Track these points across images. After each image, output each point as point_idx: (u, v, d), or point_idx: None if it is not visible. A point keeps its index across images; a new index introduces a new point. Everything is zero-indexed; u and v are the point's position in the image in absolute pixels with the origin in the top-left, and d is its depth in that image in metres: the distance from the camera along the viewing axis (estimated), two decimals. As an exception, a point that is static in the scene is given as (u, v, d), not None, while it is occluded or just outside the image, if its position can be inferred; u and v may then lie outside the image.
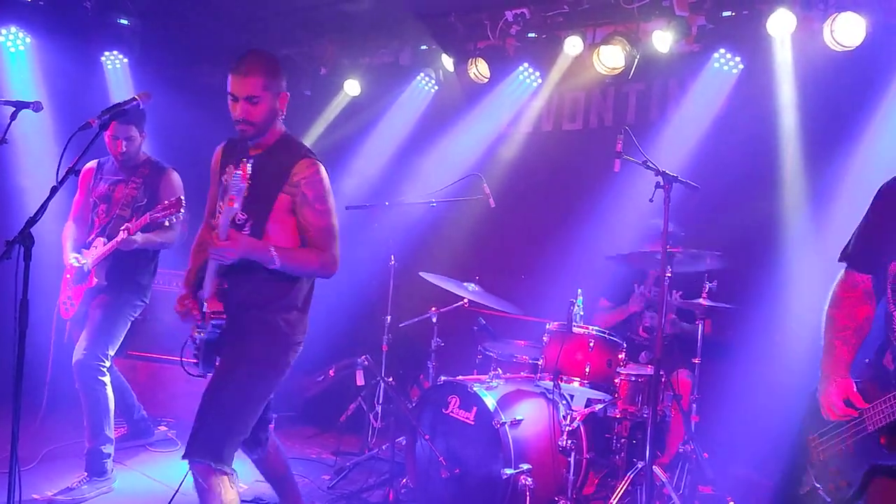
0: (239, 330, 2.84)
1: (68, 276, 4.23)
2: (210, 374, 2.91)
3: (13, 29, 5.67)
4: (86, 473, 4.01)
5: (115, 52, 6.15)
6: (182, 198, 3.84)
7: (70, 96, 5.52)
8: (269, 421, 3.13)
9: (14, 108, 3.33)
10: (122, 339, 4.20)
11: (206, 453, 2.70)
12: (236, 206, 2.63)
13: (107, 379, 4.06)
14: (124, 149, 4.11)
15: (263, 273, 2.82)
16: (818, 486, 2.37)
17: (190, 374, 2.95)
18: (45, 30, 5.74)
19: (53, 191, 2.37)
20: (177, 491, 3.02)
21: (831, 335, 2.39)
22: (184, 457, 2.72)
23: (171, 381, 5.18)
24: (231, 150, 3.05)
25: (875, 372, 2.23)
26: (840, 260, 2.46)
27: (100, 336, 4.05)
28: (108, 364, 4.07)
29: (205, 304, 2.83)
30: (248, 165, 2.64)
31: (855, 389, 2.25)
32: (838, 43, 4.29)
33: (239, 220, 2.77)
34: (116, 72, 6.20)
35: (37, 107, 3.43)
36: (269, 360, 2.89)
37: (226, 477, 2.71)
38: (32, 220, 2.35)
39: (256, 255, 2.77)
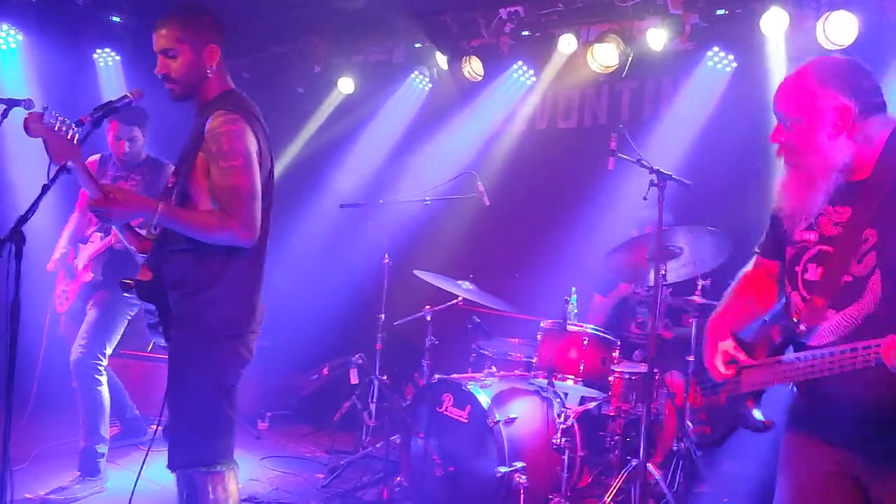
0: (176, 328, 2.63)
1: (61, 270, 4.23)
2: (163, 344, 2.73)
3: (5, 26, 5.65)
4: (79, 473, 3.99)
5: (107, 50, 6.14)
6: None
7: (62, 94, 5.49)
8: None
9: (5, 106, 3.30)
10: (118, 337, 4.19)
11: (188, 461, 2.59)
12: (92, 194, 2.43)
13: (104, 378, 4.05)
14: (127, 149, 4.14)
15: (187, 248, 2.56)
16: (689, 424, 2.48)
17: (164, 347, 2.73)
18: (36, 27, 5.71)
19: (44, 189, 2.34)
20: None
21: (724, 301, 2.41)
22: (168, 467, 2.63)
23: (164, 380, 5.13)
24: None
25: (765, 337, 2.23)
26: (754, 251, 2.46)
27: (97, 334, 4.04)
28: (105, 363, 4.07)
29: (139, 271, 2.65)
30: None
31: (737, 346, 2.24)
32: (831, 41, 4.30)
33: (169, 183, 2.67)
34: (109, 69, 6.18)
35: (28, 104, 3.39)
36: (216, 358, 2.62)
37: (222, 472, 2.60)
38: (23, 219, 2.33)
39: (140, 212, 2.48)
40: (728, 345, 2.26)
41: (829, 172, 2.04)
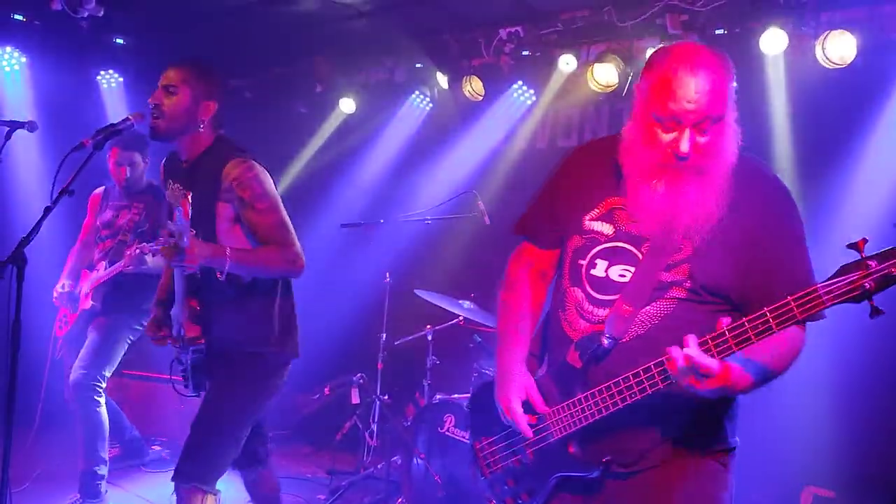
0: (222, 360, 2.79)
1: (64, 300, 4.28)
2: (201, 393, 2.89)
3: (8, 49, 5.68)
4: (78, 495, 3.98)
5: (110, 71, 6.18)
6: None
7: (65, 116, 5.52)
8: (266, 436, 3.11)
9: (8, 128, 3.33)
10: (118, 361, 4.20)
11: (195, 476, 2.70)
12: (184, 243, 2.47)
13: (103, 399, 4.06)
14: (128, 174, 4.18)
15: (233, 296, 2.71)
16: (493, 499, 2.13)
17: (181, 394, 2.94)
18: (40, 49, 5.76)
19: (47, 211, 2.36)
20: None
21: (507, 324, 2.11)
22: (173, 478, 2.71)
23: (165, 400, 5.14)
24: (171, 164, 2.96)
25: (558, 370, 1.98)
26: (518, 233, 2.22)
27: (97, 357, 4.05)
28: (104, 385, 4.07)
29: (181, 327, 2.78)
30: (189, 200, 2.50)
31: (536, 389, 1.98)
32: (830, 61, 4.32)
33: None
34: (112, 91, 6.22)
35: (31, 126, 3.43)
36: (255, 387, 2.84)
37: (211, 496, 2.71)
38: (25, 241, 2.35)
39: (214, 259, 2.56)
40: (528, 385, 1.99)
41: (727, 175, 1.85)
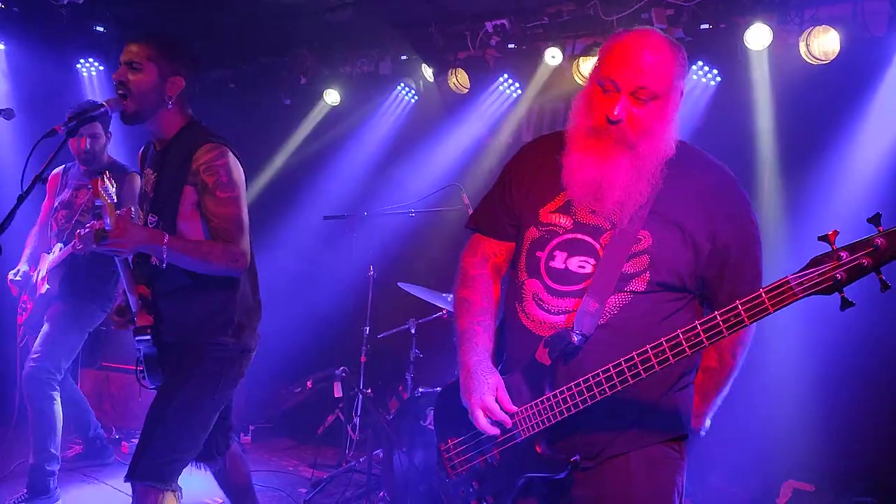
0: (176, 350, 2.68)
1: (17, 287, 4.10)
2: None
3: (-13, 36, 5.61)
4: (25, 491, 3.84)
5: (90, 59, 6.10)
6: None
7: (44, 103, 5.45)
8: (230, 429, 2.98)
9: (-15, 116, 3.27)
10: (77, 352, 4.05)
11: (149, 474, 2.57)
12: (106, 225, 2.40)
13: (56, 394, 3.90)
14: (88, 146, 3.96)
15: (187, 285, 2.60)
16: (458, 502, 2.09)
17: (144, 386, 2.79)
18: (19, 36, 5.68)
19: (20, 199, 2.31)
20: None
21: (469, 322, 2.07)
22: (126, 478, 2.58)
23: (146, 392, 5.06)
24: (145, 152, 2.88)
25: (525, 368, 1.95)
26: (471, 227, 2.21)
27: (51, 348, 3.89)
28: (59, 377, 3.91)
29: (134, 316, 2.67)
30: (101, 179, 2.39)
31: (504, 388, 1.95)
32: (814, 56, 4.34)
33: (150, 222, 2.63)
34: (92, 79, 6.15)
35: (8, 114, 3.39)
36: (210, 379, 2.68)
37: (171, 493, 2.59)
38: (0, 228, 2.30)
39: (150, 244, 2.47)
40: (497, 384, 1.95)
41: (661, 162, 1.88)
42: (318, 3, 5.51)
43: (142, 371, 2.76)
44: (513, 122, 5.88)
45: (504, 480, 1.99)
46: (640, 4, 4.77)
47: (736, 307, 1.67)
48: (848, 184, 4.30)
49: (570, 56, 5.22)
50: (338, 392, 4.95)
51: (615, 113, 1.82)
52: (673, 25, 4.76)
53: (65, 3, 5.14)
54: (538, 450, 1.92)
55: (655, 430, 1.95)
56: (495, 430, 1.95)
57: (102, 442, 4.58)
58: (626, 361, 1.79)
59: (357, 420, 5.10)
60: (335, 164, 6.47)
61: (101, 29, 6.01)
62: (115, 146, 4.26)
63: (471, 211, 4.52)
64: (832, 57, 4.27)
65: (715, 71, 4.84)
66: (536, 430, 1.92)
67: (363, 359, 4.86)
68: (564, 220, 1.96)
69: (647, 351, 1.76)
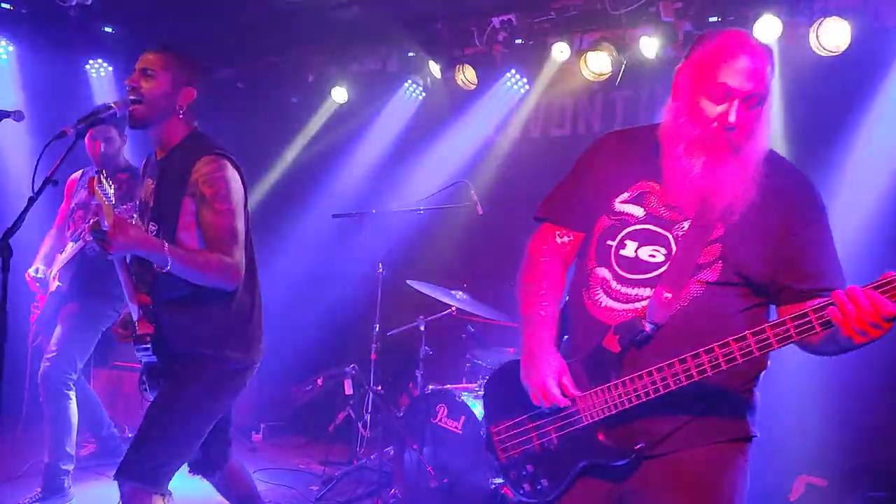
0: (178, 359, 2.65)
1: (37, 285, 4.13)
2: None
3: (-5, 37, 5.63)
4: (39, 490, 3.85)
5: (99, 60, 6.12)
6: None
7: (53, 105, 5.47)
8: (228, 443, 2.94)
9: (-5, 118, 3.27)
10: (91, 351, 4.08)
11: (141, 476, 2.54)
12: (103, 225, 2.40)
13: (72, 393, 3.92)
14: (103, 149, 4.00)
15: (188, 293, 2.59)
16: (501, 482, 2.12)
17: (146, 398, 2.74)
18: (28, 38, 5.70)
19: (30, 202, 2.32)
20: None
21: (534, 307, 2.08)
22: (115, 476, 2.55)
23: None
24: (147, 163, 2.88)
25: (590, 354, 1.96)
26: (541, 215, 2.21)
27: (67, 347, 3.92)
28: (74, 377, 3.93)
29: (136, 324, 2.64)
30: (97, 178, 2.40)
31: (569, 373, 1.97)
32: (824, 48, 4.30)
33: (151, 231, 2.63)
34: (101, 80, 6.17)
35: (18, 116, 3.38)
36: (209, 389, 2.66)
37: (159, 497, 2.57)
38: (10, 231, 2.31)
39: (147, 250, 2.48)
40: (561, 367, 1.97)
41: (760, 162, 1.90)
42: (324, 1, 5.51)
43: (144, 383, 2.74)
44: (521, 117, 5.87)
45: (561, 465, 2.00)
46: (647, -2, 4.75)
47: (806, 313, 1.70)
48: (858, 176, 4.27)
49: (578, 51, 5.20)
50: (348, 389, 4.96)
51: (732, 120, 1.84)
52: (681, 19, 4.74)
53: (73, 4, 5.15)
54: (600, 436, 1.93)
55: (722, 428, 1.95)
56: (557, 412, 1.97)
57: (115, 441, 4.59)
58: (706, 352, 1.78)
59: (368, 417, 5.10)
60: (343, 162, 6.48)
61: (109, 30, 6.03)
62: (130, 150, 4.28)
63: (479, 208, 4.59)
64: (843, 49, 4.23)
65: (724, 64, 4.81)
66: (600, 416, 1.92)
67: (373, 356, 4.86)
68: (637, 210, 1.98)
69: (728, 343, 1.75)
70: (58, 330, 4.00)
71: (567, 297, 2.13)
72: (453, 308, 4.62)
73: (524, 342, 2.06)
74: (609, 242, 2.00)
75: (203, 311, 2.63)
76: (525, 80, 5.63)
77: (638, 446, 1.90)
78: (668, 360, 1.82)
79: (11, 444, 4.36)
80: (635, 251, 1.95)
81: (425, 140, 6.09)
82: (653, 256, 1.93)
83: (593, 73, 5.15)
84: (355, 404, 5.09)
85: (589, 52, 5.07)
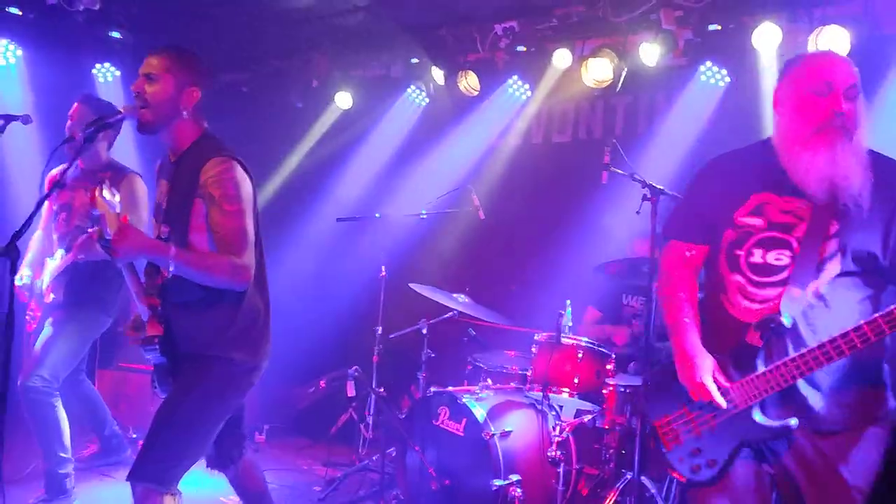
0: (187, 360, 2.68)
1: (26, 292, 4.00)
2: None
3: (3, 42, 5.67)
4: (43, 491, 3.85)
5: (106, 65, 6.17)
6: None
7: (61, 109, 5.49)
8: (243, 438, 2.96)
9: (3, 122, 3.32)
10: (78, 359, 3.99)
11: (152, 477, 2.56)
12: (106, 234, 2.44)
13: (56, 400, 3.82)
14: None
15: (198, 295, 2.61)
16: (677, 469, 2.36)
17: (157, 395, 2.76)
18: (35, 42, 5.74)
19: (39, 204, 2.36)
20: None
21: (678, 315, 2.37)
22: (128, 478, 2.57)
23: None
24: (161, 164, 2.89)
25: (734, 351, 2.25)
26: (668, 235, 2.50)
27: (50, 357, 3.81)
28: (56, 385, 3.82)
29: (146, 326, 2.67)
30: (100, 188, 2.44)
31: (719, 368, 2.27)
32: (823, 56, 4.34)
33: (163, 233, 2.66)
34: (108, 84, 6.21)
35: (26, 119, 3.42)
36: (217, 389, 2.68)
37: (170, 497, 2.58)
38: (18, 234, 2.34)
39: (152, 254, 2.52)
40: (714, 364, 2.26)
41: (865, 152, 2.14)
42: (329, 7, 5.56)
43: (155, 383, 2.76)
44: (523, 123, 5.91)
45: (721, 446, 2.26)
46: (648, 5, 4.80)
47: None
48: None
49: (580, 57, 5.24)
50: (351, 391, 4.98)
51: (842, 105, 2.11)
52: (681, 26, 4.78)
53: (80, 9, 5.21)
54: (755, 418, 2.19)
55: (871, 409, 2.17)
56: (718, 403, 2.21)
57: (119, 440, 4.58)
58: (841, 336, 2.02)
59: (370, 419, 5.13)
60: (347, 167, 6.52)
61: (116, 35, 6.07)
62: (133, 153, 4.27)
63: (481, 213, 4.64)
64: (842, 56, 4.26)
65: (724, 71, 4.85)
66: (753, 401, 2.18)
67: (375, 358, 4.90)
68: (758, 221, 2.24)
69: (861, 325, 1.99)
70: (42, 336, 3.87)
71: (702, 301, 2.39)
72: (455, 311, 4.66)
73: (677, 346, 2.33)
74: (738, 252, 2.26)
75: (213, 313, 2.65)
76: (527, 86, 5.67)
77: (791, 422, 2.14)
78: (815, 343, 2.07)
79: (18, 446, 4.38)
80: (763, 257, 2.21)
81: (428, 145, 6.14)
82: (779, 259, 2.19)
83: (595, 79, 5.19)
84: (358, 406, 5.12)
85: (590, 59, 5.11)
